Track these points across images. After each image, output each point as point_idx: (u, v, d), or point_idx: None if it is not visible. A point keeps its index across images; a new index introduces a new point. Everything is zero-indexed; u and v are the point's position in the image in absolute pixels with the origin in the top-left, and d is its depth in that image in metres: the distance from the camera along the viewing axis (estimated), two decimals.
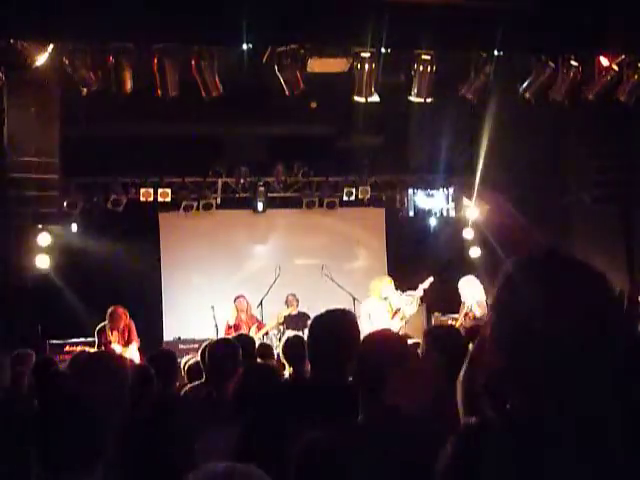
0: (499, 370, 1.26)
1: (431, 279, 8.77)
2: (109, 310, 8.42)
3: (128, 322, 8.60)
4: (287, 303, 9.86)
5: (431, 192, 11.81)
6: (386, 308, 8.51)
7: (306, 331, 6.23)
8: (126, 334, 8.57)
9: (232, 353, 3.80)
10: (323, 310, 3.01)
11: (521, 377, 1.21)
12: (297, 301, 9.85)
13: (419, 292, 8.73)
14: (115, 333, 8.47)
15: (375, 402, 2.23)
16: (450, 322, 8.89)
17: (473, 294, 8.57)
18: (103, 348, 8.32)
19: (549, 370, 1.19)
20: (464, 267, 11.08)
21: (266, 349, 6.08)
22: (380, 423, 2.18)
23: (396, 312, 8.48)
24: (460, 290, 8.78)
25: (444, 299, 10.55)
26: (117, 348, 8.31)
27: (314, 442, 2.15)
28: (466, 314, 8.59)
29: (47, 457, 1.96)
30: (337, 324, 2.89)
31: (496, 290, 1.31)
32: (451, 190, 11.80)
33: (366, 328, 7.91)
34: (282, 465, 2.02)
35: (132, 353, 8.36)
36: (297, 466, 2.10)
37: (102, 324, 8.43)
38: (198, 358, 4.46)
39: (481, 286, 8.62)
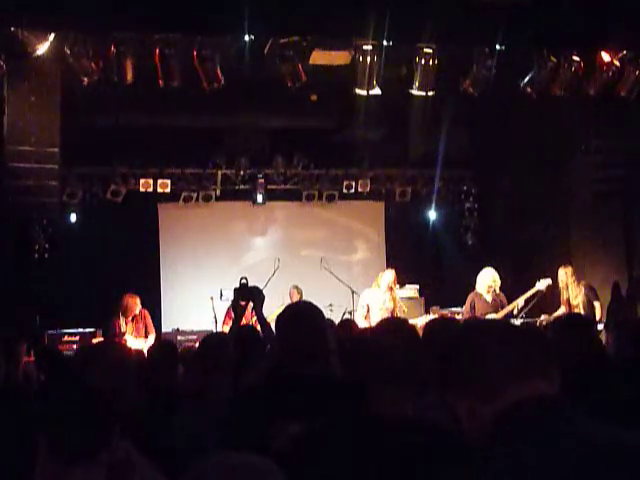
0: None
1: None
2: (124, 300, 8.34)
3: (142, 311, 8.49)
4: (290, 296, 9.64)
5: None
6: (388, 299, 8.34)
7: None
8: (141, 324, 8.45)
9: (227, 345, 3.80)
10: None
11: None
12: (300, 293, 9.62)
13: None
14: (130, 324, 8.37)
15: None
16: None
17: (485, 281, 8.35)
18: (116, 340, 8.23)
19: None
20: (463, 260, 11.12)
21: None
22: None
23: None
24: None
25: (442, 292, 10.58)
26: (131, 340, 8.14)
27: (295, 439, 2.12)
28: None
29: (52, 447, 1.95)
30: (304, 315, 2.83)
31: None
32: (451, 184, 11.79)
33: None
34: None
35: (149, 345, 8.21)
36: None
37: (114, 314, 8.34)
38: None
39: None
